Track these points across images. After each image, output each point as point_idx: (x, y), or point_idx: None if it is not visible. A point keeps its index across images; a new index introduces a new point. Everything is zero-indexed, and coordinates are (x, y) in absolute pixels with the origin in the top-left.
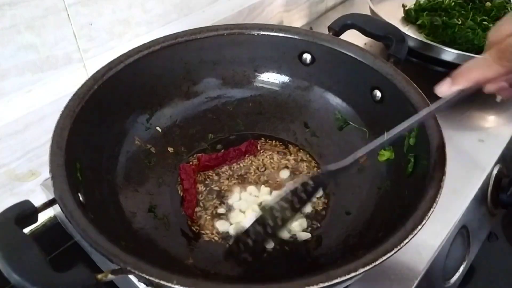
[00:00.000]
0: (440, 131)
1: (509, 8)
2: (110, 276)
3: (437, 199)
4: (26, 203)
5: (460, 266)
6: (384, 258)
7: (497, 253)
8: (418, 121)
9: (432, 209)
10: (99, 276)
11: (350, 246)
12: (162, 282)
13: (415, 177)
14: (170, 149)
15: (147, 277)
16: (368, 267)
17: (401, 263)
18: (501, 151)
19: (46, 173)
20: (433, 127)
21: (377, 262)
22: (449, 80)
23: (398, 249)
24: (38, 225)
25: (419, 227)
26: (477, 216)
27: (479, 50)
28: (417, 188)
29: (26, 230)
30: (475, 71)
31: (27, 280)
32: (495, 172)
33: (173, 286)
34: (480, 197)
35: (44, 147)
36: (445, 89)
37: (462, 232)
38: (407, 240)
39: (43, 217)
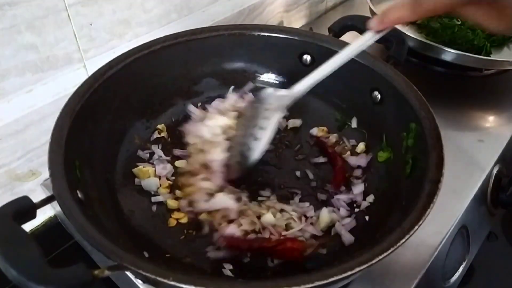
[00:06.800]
0: (438, 133)
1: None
2: (107, 272)
3: (434, 200)
4: (24, 199)
5: (460, 266)
6: (380, 257)
7: (497, 253)
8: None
9: (428, 210)
10: (96, 272)
11: (347, 247)
12: (158, 278)
13: (414, 179)
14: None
15: (143, 273)
16: (364, 266)
17: (401, 263)
18: (501, 151)
19: (46, 173)
20: (431, 128)
21: (373, 262)
22: (379, 17)
23: (394, 249)
24: (38, 225)
25: (416, 227)
26: (477, 216)
27: (479, 50)
28: (415, 190)
29: (27, 229)
30: (396, 12)
31: (24, 275)
32: (495, 172)
33: (169, 282)
34: (480, 197)
35: (45, 147)
36: (375, 25)
37: (462, 232)
38: (403, 240)
39: (44, 217)
